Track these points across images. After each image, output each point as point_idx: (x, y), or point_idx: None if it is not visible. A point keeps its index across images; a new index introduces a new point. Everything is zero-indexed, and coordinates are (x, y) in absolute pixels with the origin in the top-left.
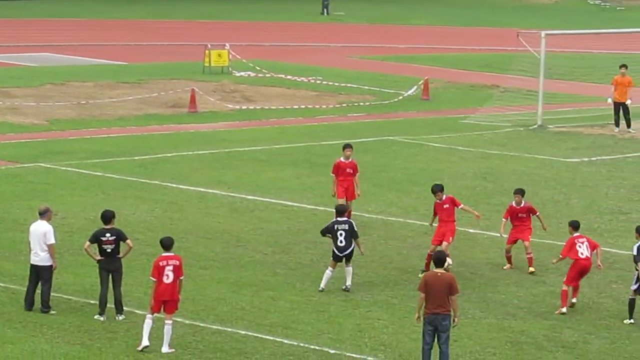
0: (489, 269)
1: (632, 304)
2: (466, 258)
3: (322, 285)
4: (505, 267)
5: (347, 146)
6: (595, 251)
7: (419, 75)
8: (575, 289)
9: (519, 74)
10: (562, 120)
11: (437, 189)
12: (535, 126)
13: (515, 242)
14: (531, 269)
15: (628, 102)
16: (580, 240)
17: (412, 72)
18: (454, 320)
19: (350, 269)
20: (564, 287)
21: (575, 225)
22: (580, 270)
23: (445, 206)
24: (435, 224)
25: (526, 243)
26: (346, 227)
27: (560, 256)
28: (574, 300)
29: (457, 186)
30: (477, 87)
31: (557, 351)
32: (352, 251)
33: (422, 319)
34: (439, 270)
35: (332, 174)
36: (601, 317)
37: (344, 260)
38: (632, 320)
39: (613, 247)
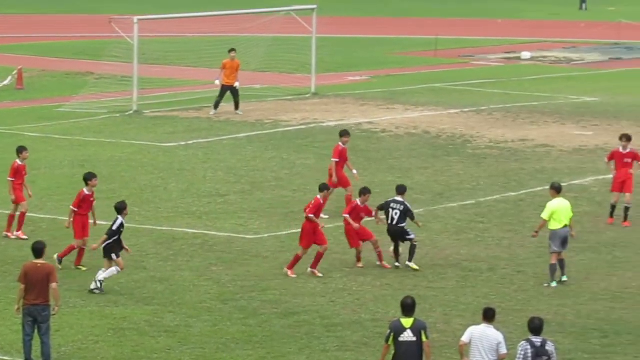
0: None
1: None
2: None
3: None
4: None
5: (23, 149)
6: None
7: (12, 65)
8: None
9: (113, 60)
10: (158, 104)
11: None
12: (131, 112)
13: None
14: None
15: (236, 84)
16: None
17: (5, 62)
18: (54, 310)
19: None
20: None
21: None
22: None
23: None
24: None
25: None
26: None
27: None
28: (359, 265)
29: (54, 175)
30: (72, 75)
31: (160, 336)
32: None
33: (22, 310)
34: (39, 261)
35: (11, 178)
36: (202, 300)
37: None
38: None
39: (212, 229)
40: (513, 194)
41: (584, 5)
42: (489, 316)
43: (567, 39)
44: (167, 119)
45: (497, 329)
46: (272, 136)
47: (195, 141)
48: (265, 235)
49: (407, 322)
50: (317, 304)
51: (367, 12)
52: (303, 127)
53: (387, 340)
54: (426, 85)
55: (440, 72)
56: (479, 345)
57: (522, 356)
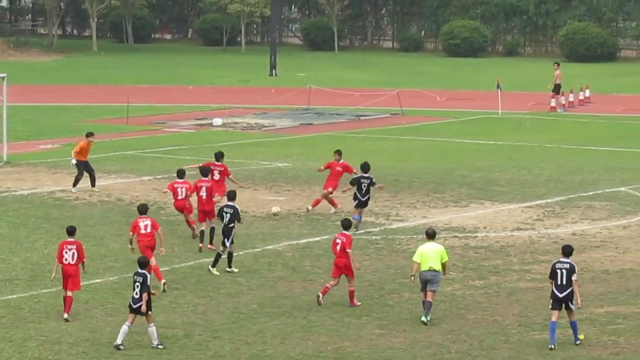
0: None
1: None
2: None
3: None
4: None
5: None
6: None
7: None
8: None
9: None
10: None
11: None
12: None
13: None
14: None
15: None
16: (69, 247)
17: None
18: None
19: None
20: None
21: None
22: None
23: None
24: None
25: None
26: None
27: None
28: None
29: None
30: None
31: None
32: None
33: None
34: None
35: None
36: None
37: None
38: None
39: None
40: (208, 259)
41: (274, 71)
42: None
43: (258, 104)
44: None
45: None
46: None
47: None
48: None
49: None
50: None
51: (56, 80)
52: None
53: None
54: (118, 153)
55: (132, 139)
56: None
57: None
